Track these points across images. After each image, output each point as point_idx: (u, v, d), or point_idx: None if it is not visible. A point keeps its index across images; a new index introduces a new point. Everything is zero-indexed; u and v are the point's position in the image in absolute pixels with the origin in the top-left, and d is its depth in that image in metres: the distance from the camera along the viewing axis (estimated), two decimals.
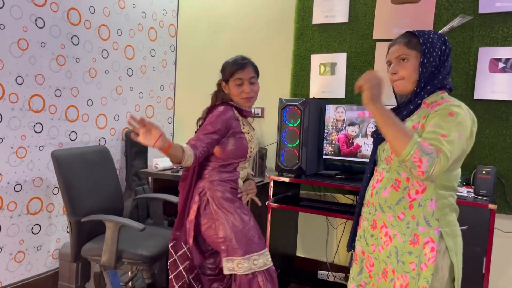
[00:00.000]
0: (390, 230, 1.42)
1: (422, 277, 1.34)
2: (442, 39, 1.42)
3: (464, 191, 2.32)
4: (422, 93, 1.41)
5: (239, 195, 1.95)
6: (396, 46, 1.44)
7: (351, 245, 1.61)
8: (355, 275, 1.56)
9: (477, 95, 2.58)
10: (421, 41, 1.39)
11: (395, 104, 1.60)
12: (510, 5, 2.51)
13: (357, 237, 1.57)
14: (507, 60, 2.51)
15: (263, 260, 1.84)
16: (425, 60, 1.38)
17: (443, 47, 1.41)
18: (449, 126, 1.27)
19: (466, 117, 1.31)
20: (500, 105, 2.53)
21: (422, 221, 1.37)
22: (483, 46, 2.57)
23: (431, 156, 1.20)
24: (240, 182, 2.00)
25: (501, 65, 2.53)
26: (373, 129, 1.59)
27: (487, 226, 2.17)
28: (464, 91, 2.61)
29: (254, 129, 2.09)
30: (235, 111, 1.95)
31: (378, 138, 1.51)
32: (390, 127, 1.25)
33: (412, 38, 1.42)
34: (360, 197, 1.58)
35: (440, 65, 1.40)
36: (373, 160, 1.55)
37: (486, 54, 2.56)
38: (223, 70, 1.96)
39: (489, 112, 2.54)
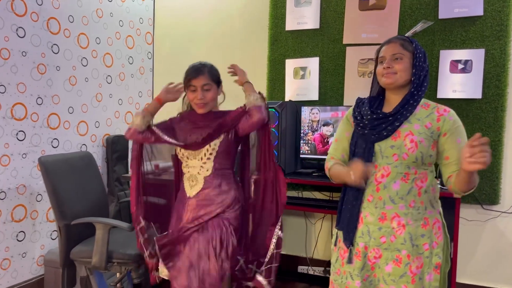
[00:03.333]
0: (403, 218, 1.55)
1: (434, 254, 1.55)
2: (425, 52, 1.61)
3: None
4: (416, 97, 1.57)
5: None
6: (391, 45, 1.59)
7: (351, 242, 1.63)
8: (358, 271, 1.60)
9: (440, 95, 2.79)
10: (414, 45, 1.58)
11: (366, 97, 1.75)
12: (467, 10, 2.73)
13: (359, 234, 1.62)
14: (465, 61, 2.73)
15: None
16: (417, 63, 1.56)
17: (426, 59, 1.61)
18: (464, 139, 1.56)
19: None
20: (461, 103, 2.75)
21: (428, 205, 1.58)
22: (444, 48, 2.78)
23: None
24: (187, 185, 1.97)
25: (460, 66, 2.75)
26: (364, 128, 1.63)
27: (453, 213, 2.36)
28: (428, 91, 2.79)
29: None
30: (176, 120, 2.05)
31: (379, 135, 1.57)
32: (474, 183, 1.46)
33: (406, 40, 1.59)
34: (357, 196, 1.62)
35: (427, 74, 1.59)
36: (370, 158, 1.58)
37: (446, 56, 2.78)
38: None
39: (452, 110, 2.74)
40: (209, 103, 1.94)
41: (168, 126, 2.04)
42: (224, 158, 1.95)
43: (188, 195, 1.95)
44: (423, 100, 1.61)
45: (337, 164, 1.72)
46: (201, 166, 1.93)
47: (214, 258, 1.83)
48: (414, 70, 1.57)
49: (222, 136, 1.93)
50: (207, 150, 1.91)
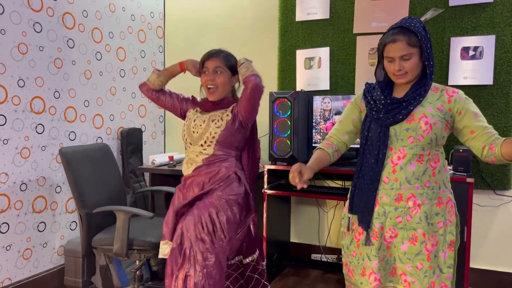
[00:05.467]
0: (418, 198, 1.60)
1: (448, 232, 1.62)
2: (423, 25, 1.61)
3: None
4: (428, 81, 1.62)
5: None
6: (398, 45, 1.56)
7: (368, 224, 1.66)
8: (375, 252, 1.64)
9: (451, 82, 2.81)
10: (419, 38, 1.56)
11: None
12: None
13: (375, 216, 1.65)
14: (476, 48, 2.75)
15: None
16: (425, 54, 1.58)
17: (426, 33, 1.60)
18: (480, 113, 1.60)
19: None
20: (472, 90, 2.76)
21: (442, 184, 1.64)
22: (455, 36, 2.80)
23: None
24: (185, 167, 2.00)
25: (471, 53, 2.76)
26: (379, 112, 1.66)
27: (466, 199, 2.38)
28: (439, 78, 2.84)
29: (215, 119, 1.98)
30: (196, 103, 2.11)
31: (393, 119, 1.61)
32: None
33: (411, 35, 1.56)
34: (374, 178, 1.65)
35: (431, 51, 1.60)
36: (385, 141, 1.63)
37: (457, 43, 2.79)
38: None
39: None
40: (219, 88, 1.94)
41: (186, 98, 2.13)
42: (225, 146, 1.95)
43: (185, 174, 1.99)
44: (432, 84, 1.66)
45: (318, 151, 1.79)
46: (200, 152, 1.95)
47: (209, 241, 1.80)
48: (425, 62, 1.59)
49: (224, 125, 1.94)
50: (207, 138, 1.93)
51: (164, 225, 1.97)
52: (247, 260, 2.08)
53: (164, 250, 1.94)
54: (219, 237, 1.83)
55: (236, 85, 2.07)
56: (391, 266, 1.66)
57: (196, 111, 2.06)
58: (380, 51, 1.65)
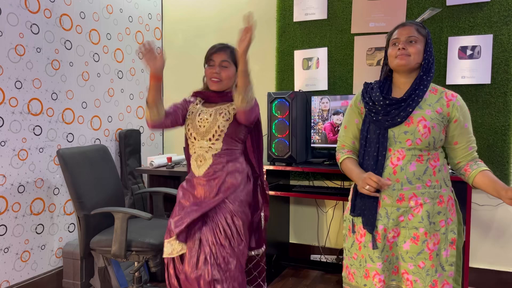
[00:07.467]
0: (420, 198, 1.60)
1: (449, 230, 1.63)
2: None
3: None
4: (426, 82, 1.64)
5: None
6: (407, 27, 1.64)
7: (373, 228, 1.63)
8: (379, 253, 1.63)
9: (449, 81, 2.81)
10: (426, 31, 1.66)
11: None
12: None
13: (378, 217, 1.64)
14: (474, 47, 2.75)
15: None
16: (427, 48, 1.64)
17: (431, 45, 1.68)
18: (470, 122, 1.67)
19: None
20: (470, 89, 2.77)
21: (443, 183, 1.65)
22: (452, 35, 2.80)
23: None
24: (194, 165, 1.96)
25: (468, 52, 2.77)
26: (378, 114, 1.66)
27: (465, 199, 2.39)
28: (437, 77, 2.84)
29: (224, 110, 1.95)
30: (194, 97, 2.07)
31: (392, 121, 1.61)
32: None
33: (420, 26, 1.66)
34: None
35: (433, 60, 1.67)
36: (384, 143, 1.63)
37: (455, 43, 2.80)
38: None
39: (461, 96, 2.76)
40: (224, 81, 1.96)
41: (181, 102, 2.08)
42: (233, 139, 1.96)
43: (196, 174, 1.95)
44: (430, 85, 1.68)
45: (349, 160, 1.75)
46: (209, 147, 1.93)
47: (228, 246, 1.85)
48: (425, 55, 1.63)
49: (232, 118, 1.94)
50: (216, 131, 1.92)
51: (172, 223, 1.90)
52: (253, 253, 2.10)
53: (168, 249, 1.89)
54: (237, 241, 1.88)
55: None
56: (393, 265, 1.66)
57: (197, 104, 2.04)
58: (388, 40, 1.71)
